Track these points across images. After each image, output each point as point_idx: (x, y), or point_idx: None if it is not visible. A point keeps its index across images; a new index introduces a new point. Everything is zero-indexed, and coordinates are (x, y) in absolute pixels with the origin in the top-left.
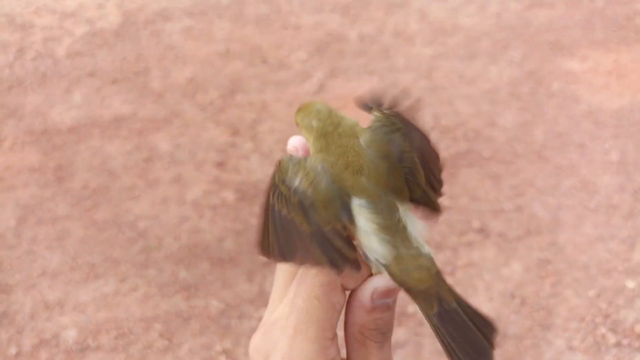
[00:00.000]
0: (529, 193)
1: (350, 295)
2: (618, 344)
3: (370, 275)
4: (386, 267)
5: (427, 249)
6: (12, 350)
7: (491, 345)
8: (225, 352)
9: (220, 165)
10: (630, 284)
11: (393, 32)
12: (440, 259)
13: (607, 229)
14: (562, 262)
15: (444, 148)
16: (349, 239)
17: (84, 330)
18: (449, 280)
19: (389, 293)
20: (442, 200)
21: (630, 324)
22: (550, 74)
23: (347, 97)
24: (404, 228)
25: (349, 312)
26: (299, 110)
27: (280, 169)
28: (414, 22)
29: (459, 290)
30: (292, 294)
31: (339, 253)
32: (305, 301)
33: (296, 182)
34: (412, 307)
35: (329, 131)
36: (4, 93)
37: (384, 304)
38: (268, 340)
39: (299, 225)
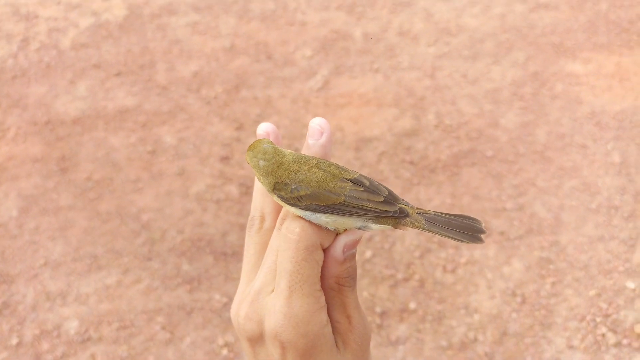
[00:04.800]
0: (531, 193)
1: (324, 254)
2: (618, 344)
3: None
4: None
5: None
6: (13, 341)
7: (478, 222)
8: (227, 345)
9: (225, 159)
10: (631, 284)
11: (398, 31)
12: (442, 257)
13: (608, 229)
14: (563, 261)
15: (447, 147)
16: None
17: (86, 321)
18: (451, 278)
19: (355, 244)
20: (445, 200)
21: (631, 324)
22: (553, 76)
23: (350, 94)
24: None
25: (324, 267)
26: (249, 149)
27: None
28: (419, 22)
29: (460, 287)
30: (271, 263)
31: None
32: (295, 264)
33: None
34: (414, 304)
35: (274, 169)
36: (8, 83)
37: (352, 253)
38: (258, 307)
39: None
